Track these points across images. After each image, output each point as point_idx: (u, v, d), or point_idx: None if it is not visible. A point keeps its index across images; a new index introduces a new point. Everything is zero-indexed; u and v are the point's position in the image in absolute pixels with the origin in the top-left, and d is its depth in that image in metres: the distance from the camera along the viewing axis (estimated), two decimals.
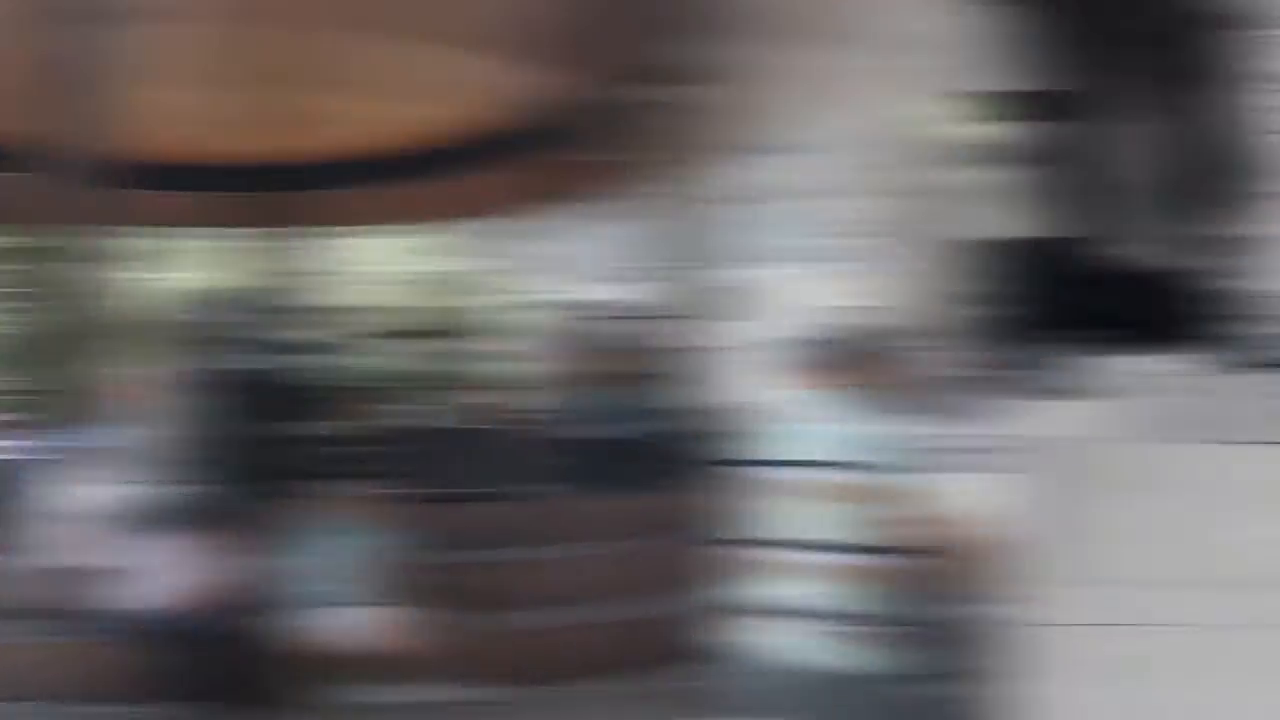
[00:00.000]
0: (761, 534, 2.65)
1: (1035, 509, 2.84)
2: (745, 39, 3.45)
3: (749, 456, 2.74)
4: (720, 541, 2.79)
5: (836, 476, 2.64)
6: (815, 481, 2.65)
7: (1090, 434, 3.06)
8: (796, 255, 3.19)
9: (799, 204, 3.21)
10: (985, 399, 2.66)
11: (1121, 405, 3.14)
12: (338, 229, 9.07)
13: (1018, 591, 2.67)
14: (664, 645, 3.92)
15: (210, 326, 5.33)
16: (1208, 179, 3.22)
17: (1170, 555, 2.77)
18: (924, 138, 3.41)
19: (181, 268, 9.52)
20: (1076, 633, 2.61)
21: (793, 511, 2.67)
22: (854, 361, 2.94)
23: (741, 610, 2.66)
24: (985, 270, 3.34)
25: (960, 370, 2.98)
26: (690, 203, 3.63)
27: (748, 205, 3.21)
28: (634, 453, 5.09)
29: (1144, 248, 3.33)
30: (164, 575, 4.20)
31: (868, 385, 2.81)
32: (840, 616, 2.52)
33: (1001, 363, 3.22)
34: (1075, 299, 3.28)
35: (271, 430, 5.08)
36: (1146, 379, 3.20)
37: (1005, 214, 3.12)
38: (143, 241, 7.55)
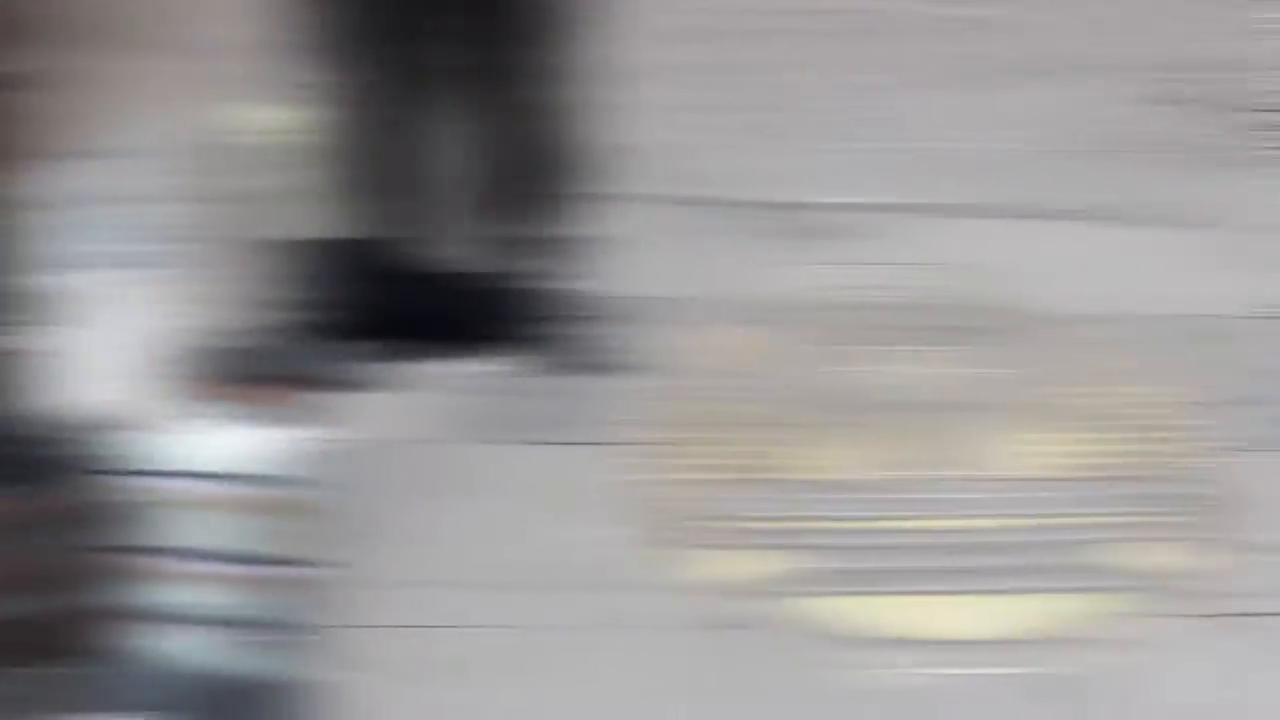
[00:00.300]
0: (134, 540, 2.56)
1: (357, 511, 2.81)
2: (57, 44, 3.43)
3: (109, 464, 2.66)
4: (80, 546, 2.70)
5: (206, 486, 2.56)
6: (185, 490, 2.56)
7: (405, 435, 3.14)
8: (120, 261, 3.18)
9: (119, 210, 3.22)
10: (307, 402, 2.68)
11: (436, 406, 3.26)
12: None
13: (347, 593, 2.62)
14: (19, 646, 3.72)
15: None
16: (523, 178, 3.35)
17: (486, 557, 2.81)
18: (235, 141, 3.50)
19: None
20: (397, 634, 2.60)
21: (169, 518, 2.58)
22: (214, 370, 2.89)
23: (116, 613, 2.55)
24: (302, 273, 3.38)
25: (286, 375, 2.99)
26: (8, 208, 3.55)
27: (67, 211, 3.17)
28: None
29: (457, 248, 3.45)
30: None
31: (229, 394, 2.77)
32: (220, 621, 2.44)
33: (320, 366, 3.19)
34: (387, 300, 3.36)
35: None
36: (460, 379, 3.34)
37: (318, 216, 3.14)
38: None
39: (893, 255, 4.05)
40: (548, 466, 3.07)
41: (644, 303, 3.67)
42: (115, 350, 2.95)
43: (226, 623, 2.38)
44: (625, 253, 3.90)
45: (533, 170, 3.33)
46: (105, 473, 2.63)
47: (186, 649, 2.39)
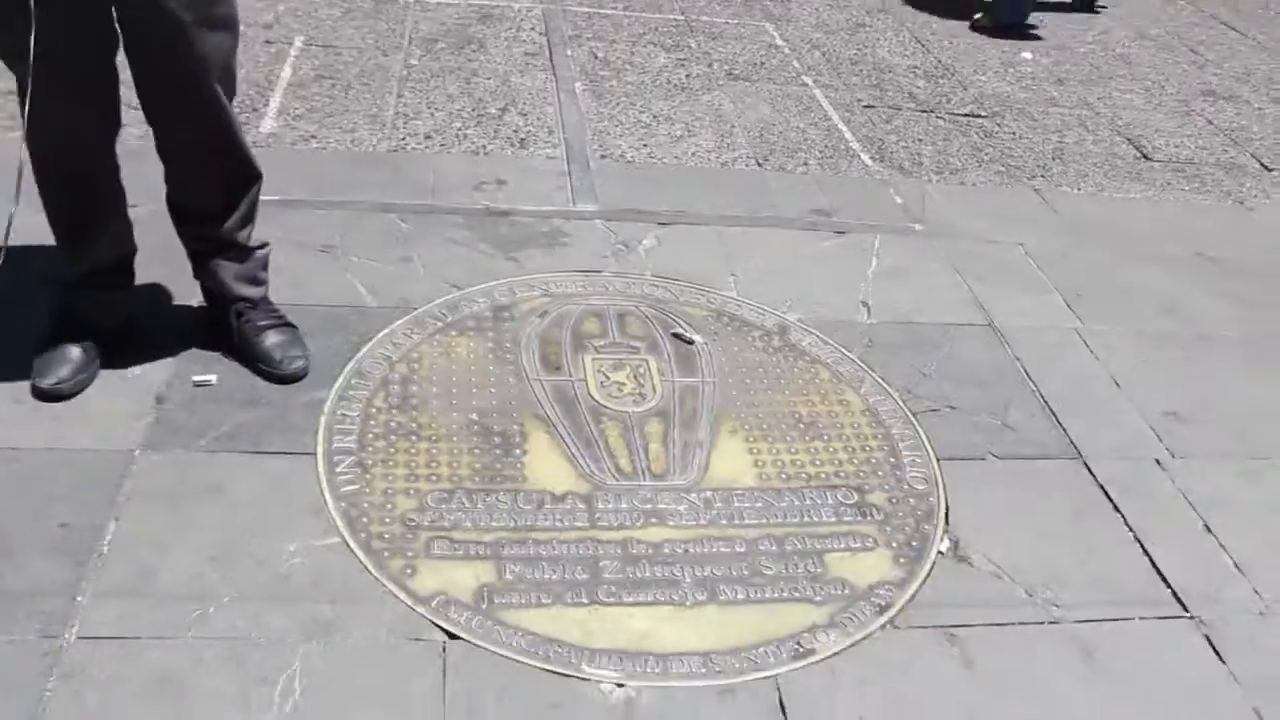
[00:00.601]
0: None
1: (63, 519, 2.80)
2: None
3: None
4: None
5: None
6: None
7: (110, 445, 3.07)
8: None
9: None
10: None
11: (138, 415, 3.18)
12: None
13: (54, 602, 2.61)
14: None
15: None
16: (215, 186, 3.31)
17: (197, 567, 2.75)
18: None
19: None
20: (105, 645, 2.54)
21: None
22: None
23: None
24: None
25: None
26: None
27: None
28: None
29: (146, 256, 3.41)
30: None
31: None
32: None
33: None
34: (83, 308, 3.30)
35: None
36: (162, 388, 3.28)
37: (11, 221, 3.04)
38: None
39: (601, 264, 4.06)
40: (257, 476, 3.05)
41: (350, 311, 3.61)
42: None
43: None
44: (329, 261, 3.82)
45: (224, 178, 3.30)
46: None
47: None
